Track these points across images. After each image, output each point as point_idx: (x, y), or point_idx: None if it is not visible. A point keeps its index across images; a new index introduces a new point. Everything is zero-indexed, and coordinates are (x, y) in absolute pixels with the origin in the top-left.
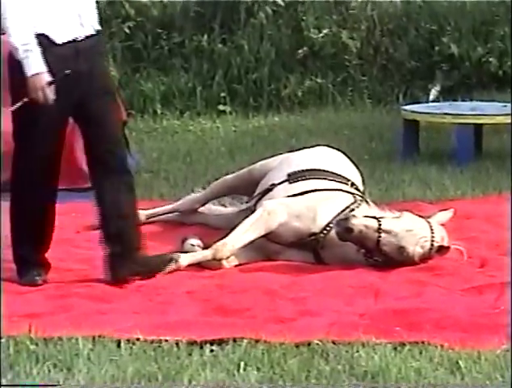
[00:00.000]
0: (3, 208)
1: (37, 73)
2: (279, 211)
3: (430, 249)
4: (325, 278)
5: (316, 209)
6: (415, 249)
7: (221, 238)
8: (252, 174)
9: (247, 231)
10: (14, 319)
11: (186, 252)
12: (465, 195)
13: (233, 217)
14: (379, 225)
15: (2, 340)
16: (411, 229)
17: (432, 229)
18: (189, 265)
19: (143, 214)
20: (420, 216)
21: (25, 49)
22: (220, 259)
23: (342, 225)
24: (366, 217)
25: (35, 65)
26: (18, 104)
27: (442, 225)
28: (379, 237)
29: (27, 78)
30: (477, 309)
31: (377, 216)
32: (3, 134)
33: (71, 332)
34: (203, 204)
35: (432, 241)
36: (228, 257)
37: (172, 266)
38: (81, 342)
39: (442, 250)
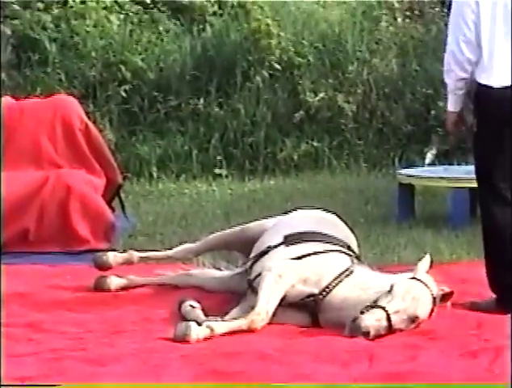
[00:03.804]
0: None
1: (450, 111)
2: (288, 273)
3: (434, 303)
4: (320, 342)
5: (322, 273)
6: (424, 311)
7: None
8: (246, 232)
9: (271, 295)
10: (7, 383)
11: (185, 314)
12: (460, 259)
13: (229, 280)
14: (387, 311)
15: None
16: (412, 297)
17: (426, 284)
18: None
19: (136, 255)
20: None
21: (448, 90)
22: (255, 330)
23: (358, 332)
24: (369, 307)
25: (452, 103)
26: None
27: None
28: (390, 321)
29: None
30: (472, 373)
31: (371, 298)
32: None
33: None
34: (196, 256)
35: (432, 295)
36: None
37: (206, 333)
38: None
39: (445, 297)
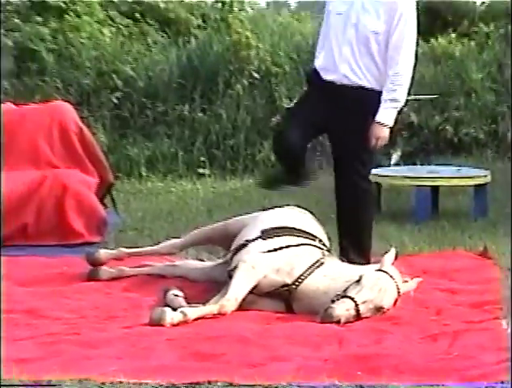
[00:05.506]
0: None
1: (386, 125)
2: (261, 264)
3: (398, 293)
4: (294, 327)
5: (294, 264)
6: (389, 302)
7: (214, 294)
8: (227, 228)
9: (242, 284)
10: (6, 364)
11: (169, 302)
12: (422, 250)
13: (211, 271)
14: (355, 302)
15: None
16: (379, 288)
17: (391, 276)
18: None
19: (125, 251)
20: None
21: (396, 106)
22: (225, 314)
23: (328, 320)
24: (340, 296)
25: (391, 118)
26: None
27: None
28: (358, 310)
29: (375, 122)
30: (432, 355)
31: (340, 289)
32: (3, 194)
33: (59, 376)
34: (180, 250)
35: (397, 286)
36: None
37: (180, 318)
38: (69, 384)
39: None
